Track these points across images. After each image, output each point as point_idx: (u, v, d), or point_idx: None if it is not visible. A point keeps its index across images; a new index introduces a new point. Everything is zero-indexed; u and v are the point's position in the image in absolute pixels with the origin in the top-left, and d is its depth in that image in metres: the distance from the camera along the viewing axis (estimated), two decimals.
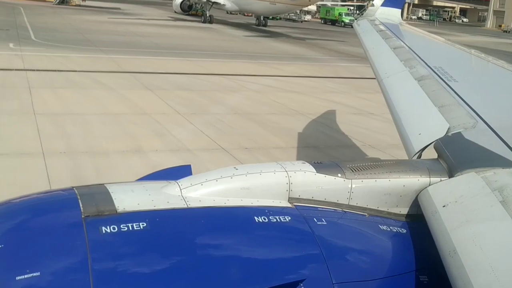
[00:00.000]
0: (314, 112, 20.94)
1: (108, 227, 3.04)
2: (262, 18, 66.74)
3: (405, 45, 8.69)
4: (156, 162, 13.55)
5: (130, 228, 3.07)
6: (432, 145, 4.78)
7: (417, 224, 3.84)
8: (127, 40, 41.15)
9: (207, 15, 65.09)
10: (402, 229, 3.82)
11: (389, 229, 3.76)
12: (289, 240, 3.40)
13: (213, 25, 63.54)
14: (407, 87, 6.74)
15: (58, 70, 26.12)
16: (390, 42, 9.07)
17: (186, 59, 33.54)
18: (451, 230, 3.34)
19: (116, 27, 51.78)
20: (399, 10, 12.54)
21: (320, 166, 3.83)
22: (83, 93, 21.45)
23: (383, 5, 12.32)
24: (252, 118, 19.57)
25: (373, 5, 12.91)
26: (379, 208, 3.91)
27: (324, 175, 3.77)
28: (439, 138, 4.78)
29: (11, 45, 33.55)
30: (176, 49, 38.40)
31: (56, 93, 20.97)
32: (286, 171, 3.69)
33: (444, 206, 3.61)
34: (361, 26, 11.35)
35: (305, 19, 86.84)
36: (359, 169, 3.91)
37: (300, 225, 3.46)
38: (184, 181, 3.53)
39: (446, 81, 6.44)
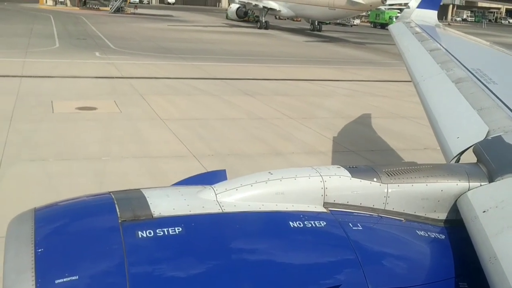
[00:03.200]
0: (415, 116, 21.53)
1: (144, 231, 3.09)
2: (316, 23, 67.32)
3: (441, 47, 8.54)
4: (299, 163, 14.39)
5: (166, 233, 3.10)
6: (471, 148, 4.64)
7: (456, 230, 3.76)
8: (199, 47, 42.32)
9: (263, 21, 65.95)
10: (441, 234, 3.75)
11: (427, 235, 3.69)
12: (324, 246, 3.39)
13: (269, 31, 64.45)
14: (444, 90, 6.57)
15: (155, 77, 27.31)
16: (426, 44, 8.92)
17: (265, 65, 34.46)
18: (491, 236, 3.25)
19: (180, 34, 53.12)
20: (435, 12, 12.39)
21: (355, 171, 3.82)
22: (192, 99, 22.50)
23: (418, 7, 12.20)
24: (359, 122, 20.31)
25: (408, 7, 12.82)
26: (416, 213, 3.84)
27: (359, 179, 3.74)
28: (478, 142, 4.63)
29: (97, 53, 35.03)
30: (249, 55, 39.37)
31: (168, 100, 22.04)
32: (321, 175, 3.68)
33: (484, 211, 3.51)
34: (397, 28, 11.22)
35: (355, 23, 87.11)
36: (395, 174, 3.86)
37: (336, 230, 3.44)
38: (219, 186, 3.57)
39: (485, 83, 6.28)
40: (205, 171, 13.68)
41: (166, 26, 61.69)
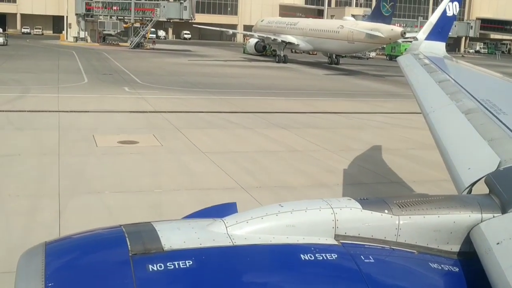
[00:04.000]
0: None
1: (155, 265, 3.09)
2: (334, 56, 68.08)
3: (450, 78, 8.56)
4: (346, 194, 14.61)
5: (177, 266, 3.10)
6: (482, 179, 4.61)
7: (470, 262, 3.72)
8: (222, 81, 42.97)
9: (282, 55, 66.85)
10: (454, 267, 3.70)
11: (440, 267, 3.64)
12: (336, 278, 3.37)
13: (288, 65, 65.25)
14: (454, 121, 6.57)
15: (187, 111, 27.80)
16: (435, 75, 8.93)
17: (291, 99, 34.97)
18: (506, 269, 3.20)
19: (202, 68, 53.97)
20: (444, 44, 12.55)
21: (366, 203, 3.79)
22: (228, 133, 22.91)
23: (427, 38, 12.31)
24: (396, 153, 20.55)
25: (417, 39, 12.90)
26: (429, 245, 3.79)
27: (370, 211, 3.71)
28: (490, 173, 4.59)
29: (126, 88, 35.72)
30: (273, 89, 39.92)
31: (205, 133, 22.45)
32: (331, 208, 3.66)
33: (498, 243, 3.46)
34: (405, 60, 11.31)
35: (371, 56, 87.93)
36: (406, 205, 3.83)
37: (347, 263, 3.41)
38: (229, 219, 3.55)
39: (495, 114, 6.25)
40: (257, 203, 14.07)
41: (187, 61, 62.71)
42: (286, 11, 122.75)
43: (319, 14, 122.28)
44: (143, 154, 18.50)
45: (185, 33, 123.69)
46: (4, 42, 73.27)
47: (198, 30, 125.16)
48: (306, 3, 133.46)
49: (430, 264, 3.64)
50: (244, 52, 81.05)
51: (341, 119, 28.21)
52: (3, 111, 25.23)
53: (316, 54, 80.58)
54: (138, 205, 13.26)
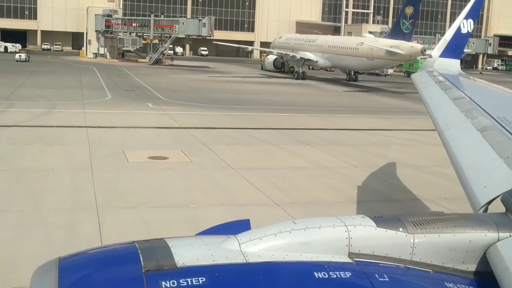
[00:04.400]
0: None
1: (167, 281, 3.09)
2: (352, 73, 68.25)
3: (465, 96, 8.52)
4: (380, 211, 14.62)
5: (190, 283, 3.09)
6: (499, 198, 4.54)
7: (486, 282, 3.67)
8: (243, 98, 43.24)
9: (300, 71, 67.17)
10: (470, 287, 3.66)
11: (455, 287, 3.59)
12: None
13: (306, 81, 65.47)
14: (470, 139, 6.53)
15: (212, 128, 28.02)
16: (449, 93, 8.87)
17: (313, 115, 35.09)
18: None
19: (222, 85, 54.37)
20: (458, 61, 12.45)
21: (381, 220, 3.76)
22: (255, 149, 23.08)
23: (441, 56, 12.20)
24: (423, 170, 20.56)
25: (431, 56, 12.81)
26: (444, 265, 3.74)
27: (385, 229, 3.68)
28: (506, 191, 4.51)
29: (149, 104, 36.11)
30: (294, 105, 40.15)
31: (232, 149, 22.63)
32: (345, 225, 3.64)
33: None
34: (420, 77, 11.25)
35: (388, 73, 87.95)
36: (421, 223, 3.79)
37: (361, 282, 3.39)
38: (243, 236, 3.55)
39: (511, 131, 6.20)
40: (291, 219, 14.09)
41: (207, 77, 63.19)
42: (303, 27, 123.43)
43: (336, 30, 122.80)
44: (174, 170, 18.69)
45: (202, 50, 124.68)
46: (26, 58, 74.36)
47: (215, 46, 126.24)
48: (322, 19, 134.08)
49: (446, 284, 3.59)
50: (262, 69, 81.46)
51: (365, 136, 28.25)
52: (33, 126, 25.66)
53: (333, 71, 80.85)
54: (175, 219, 13.42)
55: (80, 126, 26.13)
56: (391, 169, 20.29)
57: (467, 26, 12.51)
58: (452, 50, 12.37)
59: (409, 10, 53.66)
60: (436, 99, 8.94)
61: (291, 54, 67.91)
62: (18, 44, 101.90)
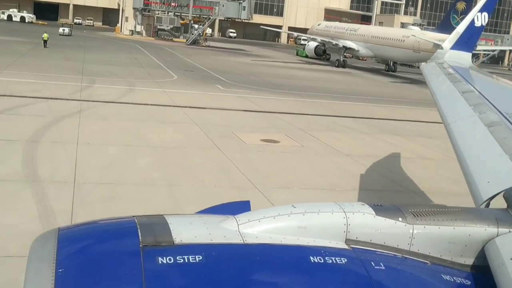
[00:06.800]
0: None
1: (164, 258, 3.11)
2: (391, 64, 68.88)
3: (475, 90, 8.37)
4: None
5: (186, 260, 3.12)
6: (501, 194, 4.58)
7: (482, 276, 3.68)
8: (300, 84, 43.99)
9: (341, 59, 67.87)
10: (467, 280, 3.66)
11: (452, 280, 3.60)
12: (344, 283, 3.35)
13: (347, 70, 66.14)
14: (476, 133, 6.45)
15: (295, 113, 28.94)
16: (459, 86, 8.71)
17: (378, 105, 36.00)
18: None
19: (272, 70, 55.16)
20: (470, 54, 12.29)
21: (380, 209, 3.75)
22: (351, 136, 24.06)
23: (453, 48, 12.03)
24: None
25: (442, 48, 12.69)
26: (442, 257, 3.75)
27: (384, 218, 3.68)
28: (509, 187, 4.57)
29: (219, 86, 37.06)
30: (352, 94, 40.90)
31: (331, 136, 23.56)
32: (344, 211, 3.64)
33: None
34: (429, 68, 11.01)
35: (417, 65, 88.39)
36: (421, 215, 3.80)
37: (357, 268, 3.40)
38: (242, 217, 3.57)
39: None
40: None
41: (251, 61, 63.94)
42: (331, 15, 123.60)
43: (364, 19, 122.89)
44: (293, 153, 19.71)
45: (231, 32, 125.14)
46: (69, 32, 75.26)
47: (242, 28, 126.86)
48: (351, 8, 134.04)
49: (443, 276, 3.59)
50: (297, 54, 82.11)
51: (441, 129, 29.09)
52: (130, 103, 26.69)
53: (366, 60, 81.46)
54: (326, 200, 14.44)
55: (173, 106, 27.16)
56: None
57: (481, 19, 12.36)
58: (464, 43, 12.16)
59: (460, 6, 54.17)
60: (444, 91, 8.78)
61: (334, 42, 68.52)
62: (33, 15, 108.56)
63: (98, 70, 39.05)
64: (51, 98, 25.69)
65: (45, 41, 54.05)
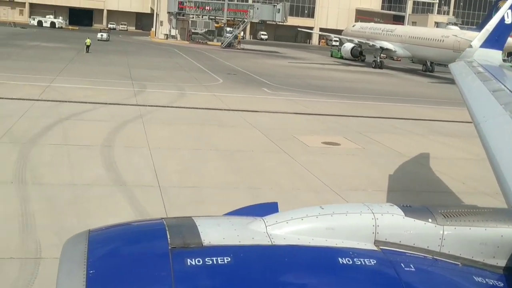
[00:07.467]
0: None
1: (193, 259, 3.12)
2: (429, 64, 68.40)
3: (505, 88, 8.22)
4: None
5: (215, 262, 3.12)
6: None
7: None
8: (342, 86, 44.06)
9: (378, 60, 67.68)
10: (499, 282, 3.57)
11: (484, 282, 3.52)
12: (374, 285, 3.30)
13: (384, 70, 65.94)
14: (508, 132, 6.41)
15: (346, 115, 29.10)
16: (489, 84, 8.54)
17: (425, 106, 35.99)
18: None
19: (311, 72, 55.33)
20: (500, 52, 11.99)
21: (409, 210, 3.71)
22: (407, 138, 24.11)
23: (482, 46, 11.74)
24: None
25: (471, 46, 12.32)
26: (474, 258, 3.67)
27: (413, 219, 3.63)
28: None
29: (265, 89, 37.36)
30: (395, 95, 40.71)
31: (388, 138, 23.59)
32: (372, 213, 3.61)
33: None
34: (458, 67, 10.83)
35: None
36: (451, 215, 3.75)
37: (387, 270, 3.35)
38: (270, 218, 3.57)
39: None
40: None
41: (288, 63, 64.19)
42: (363, 15, 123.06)
43: (396, 19, 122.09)
44: (358, 156, 19.89)
45: (262, 34, 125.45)
46: (107, 38, 76.47)
47: (273, 30, 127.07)
48: (382, 8, 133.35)
49: (475, 278, 3.52)
50: (331, 56, 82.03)
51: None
52: (185, 107, 27.17)
53: (400, 60, 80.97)
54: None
55: (227, 109, 27.54)
56: None
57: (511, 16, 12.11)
58: (494, 40, 11.86)
59: (502, 4, 53.51)
60: (474, 90, 8.62)
61: (370, 43, 68.39)
62: (63, 21, 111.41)
63: (144, 75, 39.71)
64: (110, 104, 26.32)
65: (87, 47, 55.06)
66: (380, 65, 67.71)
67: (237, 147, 19.62)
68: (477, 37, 12.22)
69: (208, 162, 17.15)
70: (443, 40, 59.24)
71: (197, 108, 27.25)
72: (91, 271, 3.05)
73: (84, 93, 28.84)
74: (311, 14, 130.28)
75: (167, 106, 27.11)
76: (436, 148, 22.45)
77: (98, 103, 26.23)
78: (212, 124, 23.57)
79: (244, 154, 18.67)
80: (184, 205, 12.90)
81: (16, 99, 25.46)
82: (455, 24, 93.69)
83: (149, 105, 26.66)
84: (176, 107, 27.27)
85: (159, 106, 26.90)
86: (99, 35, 76.25)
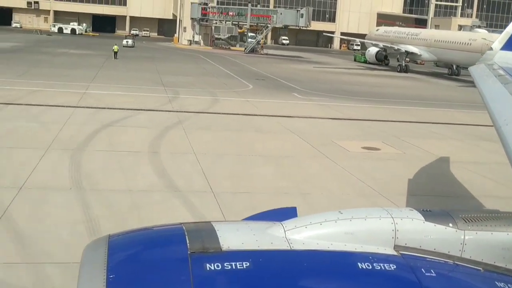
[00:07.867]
0: None
1: (212, 264, 3.14)
2: (455, 67, 68.00)
3: None
4: None
5: (234, 267, 3.13)
6: None
7: None
8: (371, 91, 43.99)
9: (403, 64, 67.50)
10: None
11: (507, 287, 3.45)
12: None
13: (409, 74, 65.69)
14: None
15: (380, 120, 29.15)
16: (510, 87, 8.38)
17: (454, 110, 35.80)
18: None
19: (337, 76, 55.43)
20: None
21: (429, 214, 3.69)
22: (444, 143, 24.09)
23: (503, 48, 11.34)
24: None
25: (491, 48, 11.99)
26: (496, 263, 3.62)
27: (433, 224, 3.61)
28: None
29: (296, 95, 37.55)
30: (424, 100, 40.65)
31: (426, 143, 23.61)
32: (392, 217, 3.60)
33: None
34: (478, 70, 10.58)
35: None
36: (473, 220, 3.70)
37: (407, 275, 3.31)
38: (288, 223, 3.59)
39: None
40: None
41: (313, 68, 64.36)
42: (384, 19, 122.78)
43: (418, 23, 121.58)
44: (399, 160, 19.96)
45: (284, 39, 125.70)
46: (132, 44, 77.31)
47: (294, 35, 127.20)
48: (404, 11, 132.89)
49: (497, 283, 3.45)
50: (355, 60, 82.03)
51: None
52: (221, 113, 27.45)
53: (424, 64, 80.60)
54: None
55: (262, 115, 27.77)
56: None
57: None
58: None
59: None
60: (495, 93, 8.42)
61: (396, 47, 68.24)
62: (82, 27, 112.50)
63: (175, 81, 40.17)
64: (148, 110, 26.70)
65: (115, 53, 55.74)
66: (405, 69, 67.49)
67: (279, 152, 19.80)
68: (498, 40, 11.93)
69: (255, 168, 17.37)
70: (470, 44, 58.88)
71: (233, 114, 27.51)
72: (111, 276, 3.08)
73: (120, 100, 29.29)
74: (332, 19, 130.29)
75: (204, 112, 27.41)
76: (475, 153, 22.46)
77: (137, 109, 26.62)
78: (250, 129, 23.81)
79: (288, 160, 18.84)
80: (242, 211, 13.05)
81: (56, 106, 25.95)
82: (479, 26, 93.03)
83: (185, 111, 26.98)
84: (212, 113, 27.54)
85: (196, 112, 27.21)
86: (124, 41, 77.08)
